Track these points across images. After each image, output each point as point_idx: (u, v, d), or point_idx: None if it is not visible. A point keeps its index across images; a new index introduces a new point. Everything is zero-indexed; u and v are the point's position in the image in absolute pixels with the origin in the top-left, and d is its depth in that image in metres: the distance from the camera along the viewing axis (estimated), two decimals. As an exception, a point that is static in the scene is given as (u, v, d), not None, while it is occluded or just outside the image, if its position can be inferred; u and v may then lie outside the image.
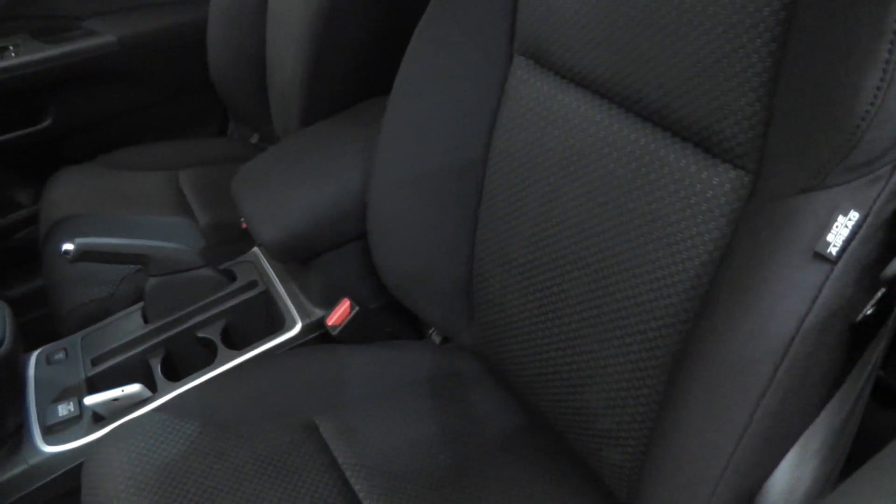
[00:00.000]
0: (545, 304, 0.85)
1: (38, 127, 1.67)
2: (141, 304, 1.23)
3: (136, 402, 1.09)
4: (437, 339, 1.22)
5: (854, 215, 0.55)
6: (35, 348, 1.21)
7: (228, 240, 1.38)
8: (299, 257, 1.15)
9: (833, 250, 0.55)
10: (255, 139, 1.69)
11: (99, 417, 1.09)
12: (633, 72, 0.69)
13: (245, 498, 0.84)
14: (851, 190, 0.55)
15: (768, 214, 0.59)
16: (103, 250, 1.13)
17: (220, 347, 1.15)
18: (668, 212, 0.68)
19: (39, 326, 1.33)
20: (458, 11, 0.90)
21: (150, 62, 1.72)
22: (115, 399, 1.08)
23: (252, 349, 1.15)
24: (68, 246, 1.11)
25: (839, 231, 0.55)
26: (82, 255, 1.11)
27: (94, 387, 1.13)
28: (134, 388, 1.09)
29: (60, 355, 1.19)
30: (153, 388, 1.11)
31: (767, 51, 0.59)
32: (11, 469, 1.04)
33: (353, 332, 1.14)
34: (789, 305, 0.58)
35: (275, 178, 1.17)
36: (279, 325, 1.18)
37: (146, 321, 1.21)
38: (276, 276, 1.25)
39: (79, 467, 0.96)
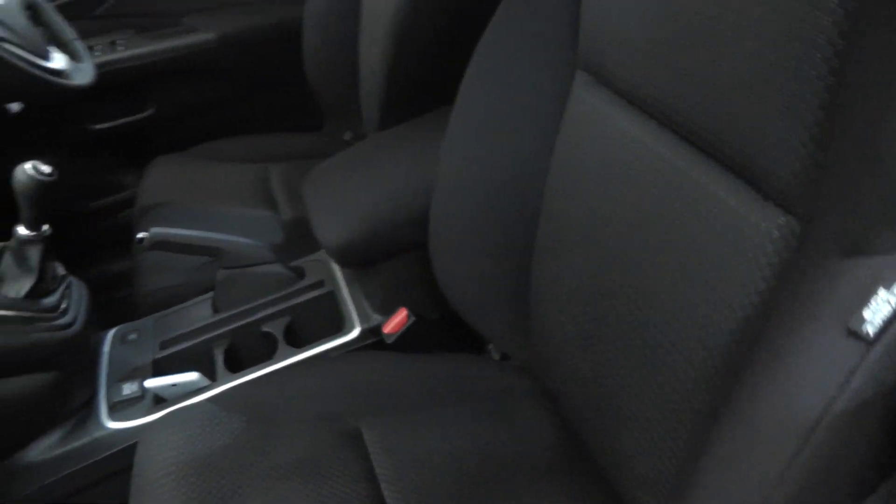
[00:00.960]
0: (588, 331, 0.82)
1: (141, 115, 1.76)
2: (211, 293, 1.27)
3: (193, 390, 1.12)
4: (496, 354, 1.20)
5: (901, 291, 0.47)
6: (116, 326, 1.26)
7: (307, 235, 1.41)
8: (359, 263, 1.15)
9: (869, 329, 0.47)
10: (348, 136, 1.71)
11: (160, 400, 1.12)
12: (684, 93, 0.65)
13: (275, 497, 0.84)
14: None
15: (811, 273, 0.53)
16: (176, 241, 1.17)
17: (281, 343, 1.17)
18: (712, 252, 0.63)
19: (125, 305, 1.38)
20: (523, 22, 0.88)
21: (247, 58, 1.77)
22: (174, 385, 1.11)
23: (310, 349, 1.16)
24: (143, 234, 1.15)
25: (879, 307, 0.47)
26: (155, 244, 1.16)
27: (160, 369, 1.18)
28: (191, 376, 1.12)
29: (134, 336, 1.24)
30: (213, 378, 1.14)
31: (822, 71, 0.51)
32: (77, 440, 1.10)
33: (408, 342, 1.13)
34: (818, 384, 0.51)
35: (342, 182, 1.19)
36: (339, 327, 1.19)
37: (215, 311, 1.24)
38: (343, 277, 1.26)
39: (134, 446, 0.99)
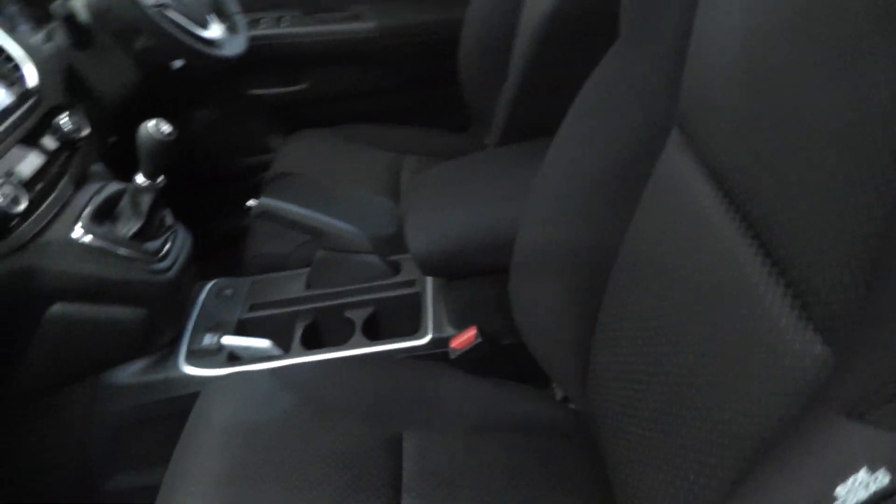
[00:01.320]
0: (631, 395, 0.81)
1: (294, 88, 1.86)
2: (308, 269, 1.32)
3: (263, 356, 1.17)
4: (558, 394, 1.19)
5: (883, 478, 0.39)
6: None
7: None
8: (440, 274, 1.17)
9: (837, 509, 0.40)
10: (489, 142, 1.74)
11: (234, 357, 1.19)
12: (760, 178, 0.62)
13: (302, 481, 0.87)
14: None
15: (821, 420, 0.48)
16: (282, 215, 1.23)
17: (358, 332, 1.21)
18: (751, 361, 0.60)
19: (233, 262, 1.47)
20: (628, 66, 0.86)
21: (403, 52, 1.82)
22: (247, 347, 1.18)
23: (382, 344, 1.19)
24: (253, 203, 1.22)
25: (855, 489, 0.40)
26: (262, 214, 1.22)
27: (243, 329, 1.25)
28: (264, 343, 1.18)
29: (229, 292, 1.32)
30: (287, 349, 1.20)
31: (882, 181, 0.46)
32: (154, 374, 1.19)
33: (472, 361, 1.14)
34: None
35: (442, 192, 1.20)
36: (414, 330, 1.21)
37: (307, 287, 1.30)
38: (432, 282, 1.28)
39: (204, 396, 1.06)
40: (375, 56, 1.82)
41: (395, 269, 1.31)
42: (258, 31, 1.76)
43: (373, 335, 1.22)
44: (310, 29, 1.79)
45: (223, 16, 1.51)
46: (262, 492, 0.86)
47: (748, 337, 0.60)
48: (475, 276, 1.15)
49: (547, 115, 1.19)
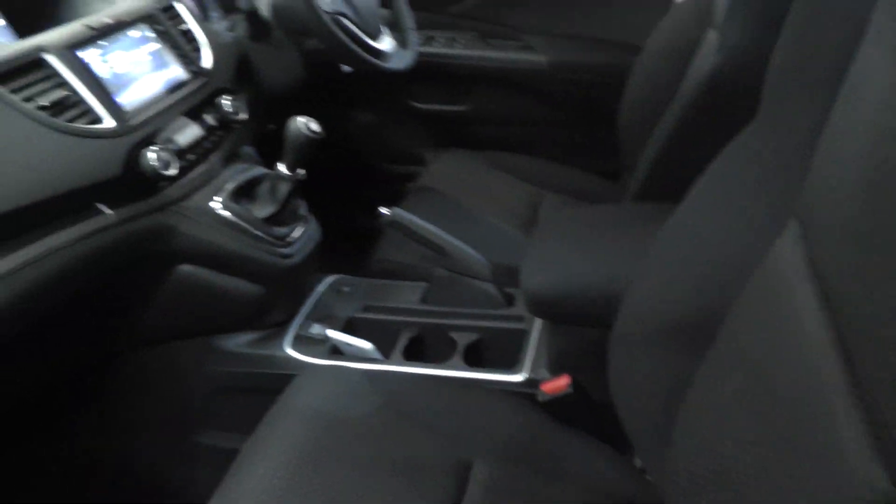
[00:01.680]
0: (705, 480, 0.77)
1: (454, 108, 1.90)
2: (426, 284, 1.35)
3: (363, 357, 1.21)
4: (638, 461, 1.14)
5: None
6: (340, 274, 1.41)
7: None
8: (546, 316, 1.16)
9: None
10: (628, 194, 1.71)
11: (336, 351, 1.23)
12: (863, 297, 0.58)
13: (363, 484, 0.89)
14: None
15: None
16: (410, 228, 1.26)
17: (458, 354, 1.22)
18: (815, 478, 0.56)
19: (360, 261, 1.53)
20: (759, 149, 0.83)
21: (569, 89, 1.82)
22: (349, 344, 1.21)
23: (477, 371, 1.19)
24: (385, 211, 1.26)
25: None
26: (392, 223, 1.26)
27: (351, 327, 1.29)
28: (367, 345, 1.22)
29: (348, 289, 1.37)
30: (387, 356, 1.22)
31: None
32: (259, 348, 1.27)
33: (559, 409, 1.12)
34: None
35: (566, 236, 1.19)
36: (511, 365, 1.20)
37: (422, 300, 1.33)
38: (539, 322, 1.27)
39: (297, 382, 1.11)
40: (540, 88, 1.84)
41: (509, 301, 1.31)
42: (430, 49, 1.82)
43: (472, 360, 1.22)
44: (480, 53, 1.83)
45: (397, 29, 1.57)
46: (325, 480, 0.89)
47: (816, 453, 0.57)
48: (580, 325, 1.13)
49: (683, 180, 1.17)
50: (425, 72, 1.74)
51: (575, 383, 1.11)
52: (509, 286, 1.31)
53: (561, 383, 1.13)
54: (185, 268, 1.17)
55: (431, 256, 1.34)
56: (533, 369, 1.19)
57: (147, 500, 1.37)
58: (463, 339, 1.25)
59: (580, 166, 1.80)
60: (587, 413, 1.12)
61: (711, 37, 1.16)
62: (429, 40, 1.83)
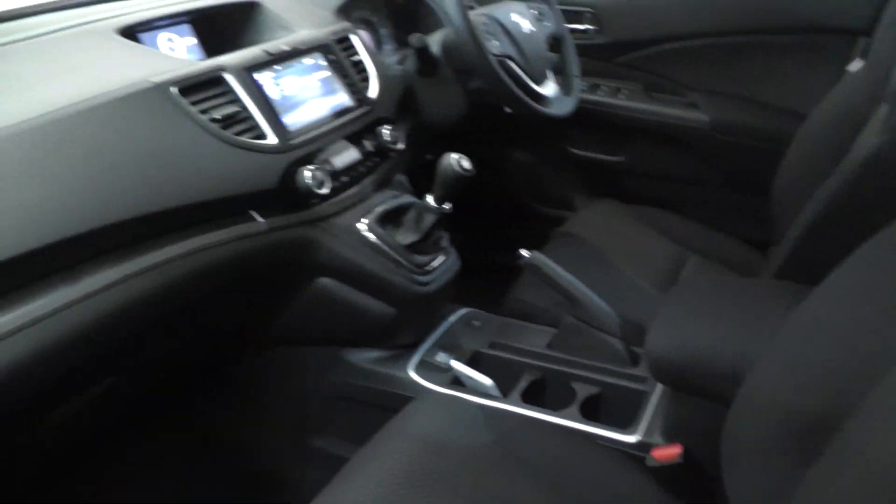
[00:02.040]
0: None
1: (610, 158, 1.90)
2: (555, 330, 1.35)
3: (482, 392, 1.23)
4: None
5: None
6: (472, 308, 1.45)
7: None
8: (667, 382, 1.13)
9: None
10: (771, 268, 1.63)
11: (457, 382, 1.26)
12: None
13: None
14: None
15: None
16: (547, 273, 1.27)
17: (575, 405, 1.21)
18: None
19: (495, 296, 1.55)
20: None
21: (730, 150, 1.77)
22: (471, 378, 1.24)
23: (591, 425, 1.17)
24: (525, 253, 1.28)
25: None
26: (530, 266, 1.27)
27: (476, 361, 1.31)
28: (487, 381, 1.23)
29: (478, 323, 1.40)
30: (505, 394, 1.24)
31: None
32: (382, 367, 1.32)
33: (667, 478, 1.08)
34: None
35: (702, 303, 1.16)
36: (626, 425, 1.18)
37: (548, 345, 1.33)
38: (661, 387, 1.24)
39: (414, 405, 1.15)
40: (699, 147, 1.79)
41: (634, 360, 1.28)
42: (593, 97, 1.83)
43: (588, 413, 1.21)
44: (644, 106, 1.81)
45: (562, 75, 1.59)
46: (422, 502, 0.92)
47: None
48: (700, 396, 1.09)
49: (829, 262, 1.11)
50: (586, 119, 1.75)
51: (687, 454, 1.07)
52: (637, 345, 1.28)
53: (672, 452, 1.10)
54: (325, 280, 1.24)
55: (564, 303, 1.34)
56: (647, 432, 1.16)
57: (255, 489, 1.45)
58: (582, 391, 1.24)
59: (729, 231, 1.74)
60: (696, 485, 1.08)
61: (882, 112, 1.10)
62: (593, 88, 1.84)
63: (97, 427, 1.32)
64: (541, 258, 1.29)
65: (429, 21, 1.65)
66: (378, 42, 1.62)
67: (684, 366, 1.07)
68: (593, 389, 1.24)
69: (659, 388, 1.23)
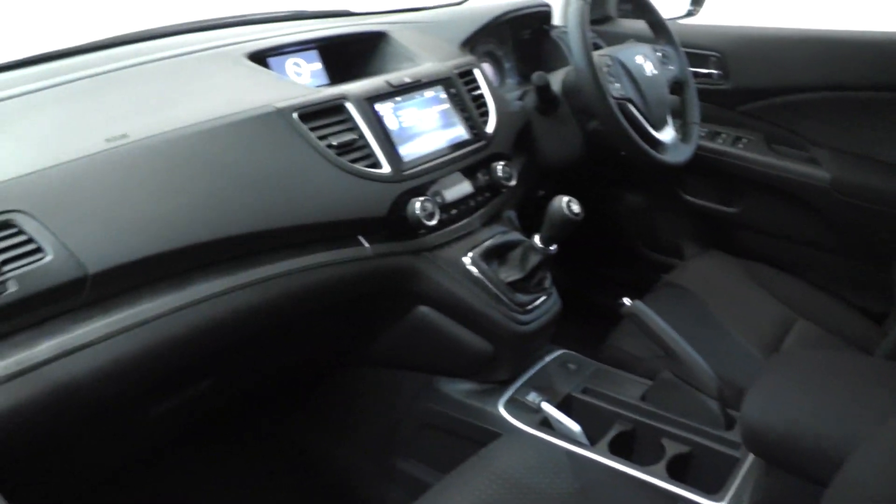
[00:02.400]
0: None
1: (724, 209, 1.85)
2: (651, 382, 1.32)
3: (569, 438, 1.22)
4: None
5: None
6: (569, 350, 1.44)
7: None
8: (758, 452, 1.09)
9: None
10: (885, 348, 1.55)
11: (545, 424, 1.25)
12: None
13: None
14: None
15: None
16: (647, 325, 1.24)
17: (663, 462, 1.18)
18: None
19: (593, 339, 1.54)
20: None
21: (851, 212, 1.67)
22: (560, 422, 1.23)
23: (677, 486, 1.14)
24: (627, 302, 1.26)
25: None
26: (631, 315, 1.25)
27: (567, 405, 1.31)
28: (576, 426, 1.22)
29: (573, 366, 1.39)
30: (592, 443, 1.22)
31: None
32: (474, 400, 1.33)
33: None
34: None
35: (807, 375, 1.11)
36: (715, 490, 1.14)
37: (642, 398, 1.30)
38: (754, 457, 1.20)
39: (501, 442, 1.15)
40: (818, 206, 1.71)
41: (729, 423, 1.24)
42: (712, 144, 1.78)
43: (675, 472, 1.18)
44: (762, 158, 1.75)
45: (681, 120, 1.56)
46: None
47: None
48: (792, 473, 1.05)
49: None
50: (702, 166, 1.71)
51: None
52: (733, 408, 1.24)
53: (759, 526, 1.06)
54: (425, 310, 1.26)
55: (662, 356, 1.31)
56: (734, 501, 1.12)
57: (335, 502, 1.48)
58: (672, 449, 1.21)
59: (843, 299, 1.67)
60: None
61: None
62: (712, 135, 1.80)
63: (192, 425, 1.38)
64: (642, 308, 1.27)
65: (554, 57, 1.66)
66: (502, 75, 1.64)
67: (779, 439, 1.03)
68: (683, 448, 1.21)
69: (752, 456, 1.18)
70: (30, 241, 0.80)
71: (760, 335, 1.47)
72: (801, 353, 1.22)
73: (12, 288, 0.77)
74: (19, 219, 0.81)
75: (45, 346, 0.81)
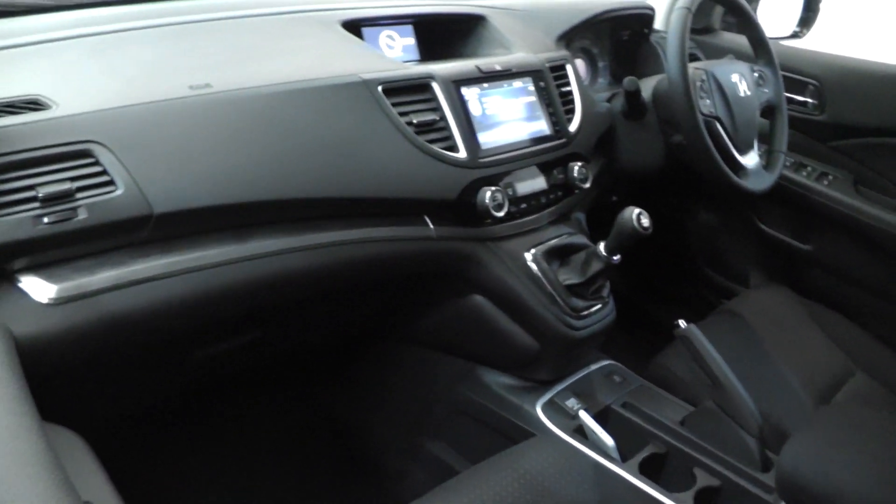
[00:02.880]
0: None
1: (798, 244, 1.78)
2: (693, 409, 1.30)
3: (601, 450, 1.21)
4: None
5: None
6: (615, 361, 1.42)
7: None
8: (788, 501, 1.06)
9: None
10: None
11: (579, 431, 1.24)
12: None
13: None
14: None
15: None
16: (698, 350, 1.21)
17: (691, 493, 1.16)
18: None
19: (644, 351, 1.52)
20: None
21: None
22: (594, 433, 1.22)
23: None
24: (681, 323, 1.23)
25: None
26: (683, 338, 1.22)
27: (605, 416, 1.29)
28: (610, 440, 1.21)
29: (617, 378, 1.37)
30: (624, 460, 1.21)
31: None
32: (512, 395, 1.32)
33: None
34: None
35: (854, 431, 1.07)
36: None
37: (681, 422, 1.28)
38: None
39: (532, 442, 1.15)
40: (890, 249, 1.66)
41: (765, 465, 1.21)
42: (796, 176, 1.72)
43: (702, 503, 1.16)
44: (849, 200, 1.67)
45: (766, 146, 1.52)
46: None
47: None
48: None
49: None
50: (782, 197, 1.66)
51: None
52: (772, 450, 1.21)
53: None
54: (478, 298, 1.26)
55: (708, 384, 1.29)
56: None
57: (357, 474, 1.50)
58: (703, 480, 1.18)
59: None
60: None
61: None
62: (798, 167, 1.73)
63: (231, 376, 1.40)
64: (695, 333, 1.24)
65: (650, 62, 1.62)
66: (594, 74, 1.61)
67: (816, 496, 1.00)
68: (714, 482, 1.19)
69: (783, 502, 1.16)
70: (104, 172, 0.83)
71: (814, 381, 1.42)
72: (854, 410, 1.18)
73: (82, 215, 0.80)
74: (97, 150, 0.83)
75: (104, 276, 0.84)
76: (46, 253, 0.80)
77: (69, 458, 0.76)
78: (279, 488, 1.51)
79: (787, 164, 1.72)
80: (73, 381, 0.94)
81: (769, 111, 1.52)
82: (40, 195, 0.78)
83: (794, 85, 1.70)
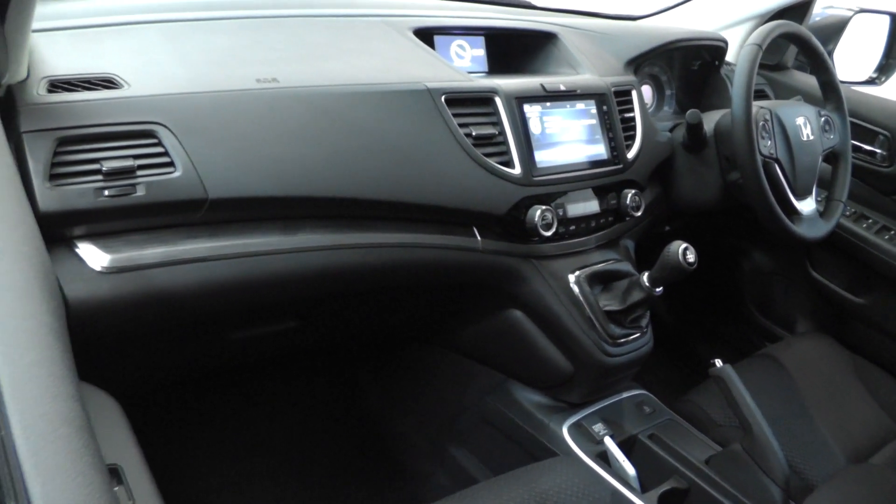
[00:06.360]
0: None
1: (850, 296, 1.74)
2: (719, 449, 1.28)
3: (620, 478, 1.20)
4: None
5: None
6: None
7: None
8: None
9: None
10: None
11: (602, 457, 1.24)
12: None
13: None
14: None
15: None
16: (731, 392, 1.20)
17: None
18: None
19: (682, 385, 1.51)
20: None
21: None
22: (617, 460, 1.22)
23: None
24: (717, 364, 1.22)
25: None
26: (717, 378, 1.21)
27: (630, 445, 1.29)
28: (632, 470, 1.21)
29: (647, 409, 1.37)
30: (644, 490, 1.20)
31: None
32: (539, 412, 1.33)
33: None
34: None
35: (880, 498, 1.06)
36: None
37: (706, 462, 1.27)
38: None
39: (553, 461, 1.15)
40: None
41: None
42: (855, 227, 1.68)
43: None
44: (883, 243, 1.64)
45: (826, 193, 1.49)
46: None
47: None
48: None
49: None
50: (839, 246, 1.63)
51: None
52: (796, 502, 1.19)
53: None
54: (518, 314, 1.27)
55: (737, 427, 1.28)
56: None
57: (378, 470, 1.52)
58: None
59: None
60: None
61: None
62: (858, 218, 1.69)
63: (271, 358, 1.43)
64: (730, 374, 1.22)
65: (718, 94, 1.60)
66: (660, 101, 1.60)
67: None
68: None
69: None
70: (165, 153, 0.86)
71: (851, 438, 1.39)
72: (885, 474, 1.15)
73: (140, 192, 0.83)
74: (161, 132, 0.86)
75: (153, 252, 0.87)
76: (103, 224, 0.84)
77: (102, 420, 0.80)
78: (305, 471, 1.54)
79: (848, 213, 1.68)
80: (114, 347, 0.98)
81: (833, 157, 1.49)
82: (104, 169, 0.81)
83: (864, 133, 1.66)
